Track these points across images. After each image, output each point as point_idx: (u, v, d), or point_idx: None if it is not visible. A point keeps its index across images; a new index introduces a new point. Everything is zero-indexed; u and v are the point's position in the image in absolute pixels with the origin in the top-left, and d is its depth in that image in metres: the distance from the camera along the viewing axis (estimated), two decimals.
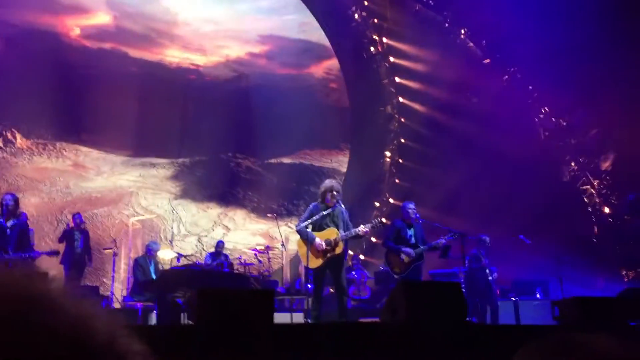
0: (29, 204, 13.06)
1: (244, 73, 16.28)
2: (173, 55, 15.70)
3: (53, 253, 10.04)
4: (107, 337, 0.62)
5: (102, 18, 15.01)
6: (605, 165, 13.48)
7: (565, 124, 14.16)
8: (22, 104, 13.58)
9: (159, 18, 15.58)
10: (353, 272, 12.53)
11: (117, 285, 11.66)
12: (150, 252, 10.29)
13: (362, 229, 7.13)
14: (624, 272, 13.24)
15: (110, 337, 0.63)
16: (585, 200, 13.99)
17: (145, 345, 0.68)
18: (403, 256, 7.88)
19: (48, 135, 14.17)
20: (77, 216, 11.09)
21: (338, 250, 7.03)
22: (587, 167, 13.92)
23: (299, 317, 8.80)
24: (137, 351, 0.65)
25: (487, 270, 9.88)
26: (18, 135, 14.00)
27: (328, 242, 7.02)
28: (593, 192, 13.88)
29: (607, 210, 13.65)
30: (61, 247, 10.86)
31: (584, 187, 14.01)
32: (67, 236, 10.77)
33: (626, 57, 11.87)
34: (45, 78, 13.53)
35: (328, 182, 7.44)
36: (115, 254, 10.98)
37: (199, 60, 15.94)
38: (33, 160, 14.02)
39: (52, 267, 10.88)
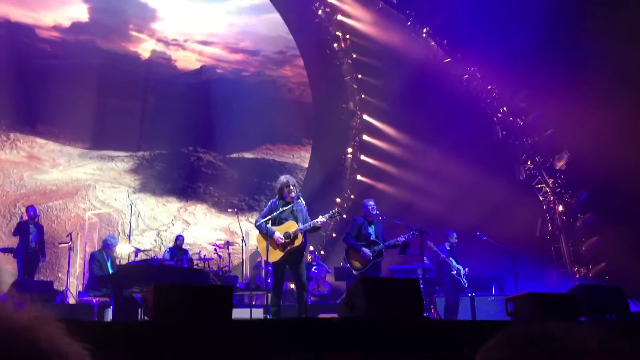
0: None
1: (205, 67, 16.12)
2: (134, 48, 15.42)
3: (6, 250, 9.81)
4: (49, 342, 0.63)
5: (75, 9, 14.65)
6: (560, 164, 13.82)
7: (522, 123, 14.47)
8: None
9: (125, 10, 15.28)
10: (313, 269, 12.57)
11: (72, 280, 11.43)
12: (107, 246, 10.09)
13: (320, 219, 7.19)
14: (576, 269, 13.63)
15: (52, 342, 0.63)
16: (540, 198, 14.34)
17: (85, 344, 0.69)
18: (362, 254, 7.96)
19: (2, 125, 13.76)
20: (30, 209, 10.81)
21: (297, 242, 7.07)
22: (543, 166, 14.26)
23: (258, 313, 8.79)
24: (77, 351, 0.66)
25: (454, 265, 10.04)
26: None
27: (287, 235, 7.05)
28: (548, 190, 14.24)
29: (561, 208, 14.02)
30: (14, 241, 10.60)
31: (539, 186, 14.35)
32: (21, 229, 10.51)
33: (582, 58, 12.19)
34: None
35: (283, 178, 7.45)
36: (70, 249, 10.76)
37: (159, 52, 15.70)
38: None
39: (6, 262, 10.62)
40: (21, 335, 0.62)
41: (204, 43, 16.15)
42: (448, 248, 10.28)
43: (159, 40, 15.63)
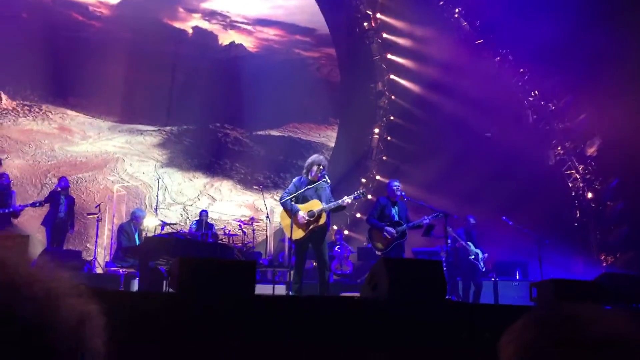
0: (13, 166, 12.95)
1: (234, 43, 16.11)
2: (166, 22, 15.48)
3: (36, 204, 9.96)
4: (72, 321, 0.64)
5: None
6: (591, 151, 13.57)
7: (553, 108, 14.21)
8: (8, 65, 13.36)
9: None
10: (336, 248, 12.61)
11: (100, 250, 11.65)
12: (136, 218, 10.25)
13: (345, 199, 7.19)
14: (602, 257, 13.44)
15: (74, 321, 0.64)
16: (569, 184, 14.12)
17: (96, 307, 0.70)
18: (385, 233, 7.94)
19: (34, 97, 13.99)
20: (63, 180, 10.99)
21: (321, 221, 7.08)
22: (573, 152, 14.02)
23: (281, 290, 8.86)
24: (77, 310, 0.67)
25: (471, 250, 9.98)
26: (4, 96, 13.80)
27: (311, 214, 7.06)
28: (577, 177, 14.01)
29: (590, 195, 13.79)
30: (44, 210, 10.79)
31: (568, 172, 14.13)
32: (52, 198, 10.69)
33: (616, 45, 11.88)
34: (33, 40, 13.32)
35: (316, 157, 7.46)
36: (99, 220, 10.95)
37: (190, 28, 15.74)
38: (18, 121, 13.85)
39: (35, 230, 10.86)
40: (42, 307, 0.63)
41: (234, 21, 16.11)
42: (464, 232, 10.18)
43: (178, 15, 15.64)
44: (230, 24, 16.11)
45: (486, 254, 10.14)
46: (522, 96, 14.50)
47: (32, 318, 0.61)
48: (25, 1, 13.98)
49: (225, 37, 16.08)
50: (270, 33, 16.43)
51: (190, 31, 15.74)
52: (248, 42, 16.24)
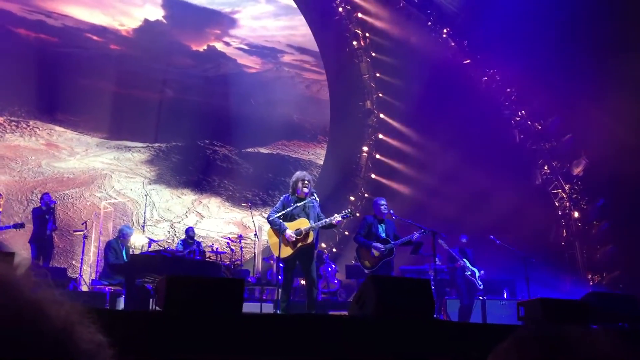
0: None
1: (223, 60, 16.17)
2: (154, 39, 15.51)
3: (18, 226, 9.87)
4: (64, 324, 0.63)
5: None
6: (577, 170, 13.71)
7: (540, 128, 14.36)
8: None
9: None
10: (323, 266, 12.57)
11: (86, 268, 11.54)
12: (123, 236, 10.16)
13: (336, 217, 7.19)
14: (589, 276, 13.51)
15: (67, 324, 0.63)
16: (556, 203, 14.23)
17: (103, 336, 0.69)
18: (373, 251, 7.94)
19: (22, 113, 13.92)
20: (46, 196, 10.90)
21: (308, 239, 7.07)
22: (559, 172, 14.15)
23: (268, 308, 8.81)
24: (94, 341, 0.66)
25: (468, 267, 9.98)
26: None
27: (298, 232, 7.05)
28: (564, 196, 14.12)
29: (576, 214, 13.90)
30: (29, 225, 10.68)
31: (555, 191, 14.24)
32: (38, 216, 10.59)
33: (602, 66, 12.06)
34: (21, 55, 13.29)
35: (299, 173, 7.47)
36: (85, 237, 10.85)
37: (180, 46, 15.78)
38: (5, 137, 13.76)
39: (21, 247, 10.74)
40: (35, 310, 0.62)
41: (224, 40, 16.19)
42: (458, 250, 10.21)
43: (168, 32, 15.70)
44: (221, 42, 16.16)
45: (482, 271, 10.16)
46: (509, 116, 14.65)
47: (49, 350, 0.60)
48: (14, 18, 13.95)
49: (215, 54, 16.12)
50: (259, 50, 16.51)
51: (180, 48, 15.77)
52: (238, 60, 16.29)
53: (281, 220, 7.12)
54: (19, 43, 13.64)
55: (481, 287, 10.06)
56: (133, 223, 13.64)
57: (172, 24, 15.66)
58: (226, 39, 16.22)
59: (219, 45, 16.14)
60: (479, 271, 10.11)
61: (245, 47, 16.37)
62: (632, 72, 11.43)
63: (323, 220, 7.16)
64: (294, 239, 7.04)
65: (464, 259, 10.10)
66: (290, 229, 7.08)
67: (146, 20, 15.34)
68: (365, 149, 16.89)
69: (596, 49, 12.17)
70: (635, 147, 11.46)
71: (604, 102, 11.66)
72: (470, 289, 9.97)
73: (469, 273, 9.99)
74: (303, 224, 7.11)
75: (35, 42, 13.79)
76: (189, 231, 11.70)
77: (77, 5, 14.64)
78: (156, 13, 15.43)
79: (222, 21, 16.12)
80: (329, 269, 12.63)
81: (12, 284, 0.63)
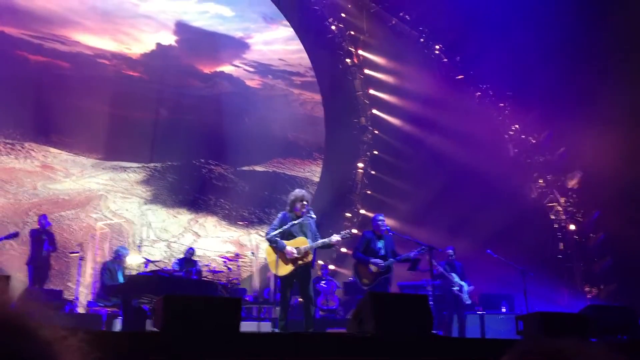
0: None
1: (217, 80, 16.23)
2: (148, 61, 15.57)
3: (12, 236, 9.83)
4: (47, 345, 0.63)
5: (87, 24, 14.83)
6: (572, 183, 13.76)
7: (534, 141, 14.43)
8: None
9: (134, 18, 15.46)
10: (322, 283, 12.52)
11: (82, 289, 11.46)
12: (119, 257, 10.14)
13: (335, 237, 7.18)
14: (587, 289, 13.49)
15: (50, 345, 0.64)
16: (552, 217, 14.25)
17: (96, 357, 0.69)
18: (372, 267, 7.92)
19: (16, 135, 13.90)
20: (42, 218, 10.88)
21: (307, 258, 7.07)
22: (555, 185, 14.19)
23: (266, 326, 8.76)
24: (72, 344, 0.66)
25: (455, 281, 9.96)
26: None
27: (299, 251, 7.05)
28: (559, 209, 14.15)
29: (572, 227, 13.92)
30: (26, 248, 10.65)
31: (550, 204, 14.27)
32: (34, 237, 10.57)
33: (595, 79, 12.17)
34: (15, 77, 13.31)
35: (298, 192, 7.47)
36: (81, 258, 10.81)
37: (173, 66, 15.83)
38: (0, 160, 13.74)
39: (17, 269, 10.69)
40: (44, 349, 0.62)
41: (215, 56, 16.27)
42: (446, 264, 10.17)
43: (162, 53, 15.77)
44: (212, 66, 16.24)
45: (472, 287, 10.13)
46: (502, 130, 14.72)
47: None
48: (7, 40, 13.99)
49: (209, 74, 16.19)
50: (252, 69, 16.58)
51: (175, 68, 15.82)
52: (230, 78, 16.36)
53: (279, 239, 7.11)
54: (14, 65, 13.67)
55: (468, 302, 10.03)
56: (129, 243, 13.58)
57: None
58: (222, 56, 16.29)
59: (213, 62, 16.21)
60: (469, 285, 10.07)
61: (240, 65, 16.45)
62: (625, 84, 11.54)
63: (321, 241, 7.15)
64: (294, 256, 7.02)
65: (452, 274, 10.06)
66: (289, 246, 7.08)
67: (157, 45, 15.43)
68: (360, 165, 16.92)
69: (589, 62, 12.29)
70: (630, 159, 11.52)
71: (597, 115, 11.74)
72: (456, 302, 9.94)
73: (457, 288, 9.95)
74: (302, 242, 7.10)
75: (31, 65, 13.83)
76: (189, 251, 11.66)
77: (77, 30, 14.71)
78: (158, 37, 15.52)
79: (219, 41, 16.21)
80: (327, 285, 12.57)
81: (15, 325, 0.64)
